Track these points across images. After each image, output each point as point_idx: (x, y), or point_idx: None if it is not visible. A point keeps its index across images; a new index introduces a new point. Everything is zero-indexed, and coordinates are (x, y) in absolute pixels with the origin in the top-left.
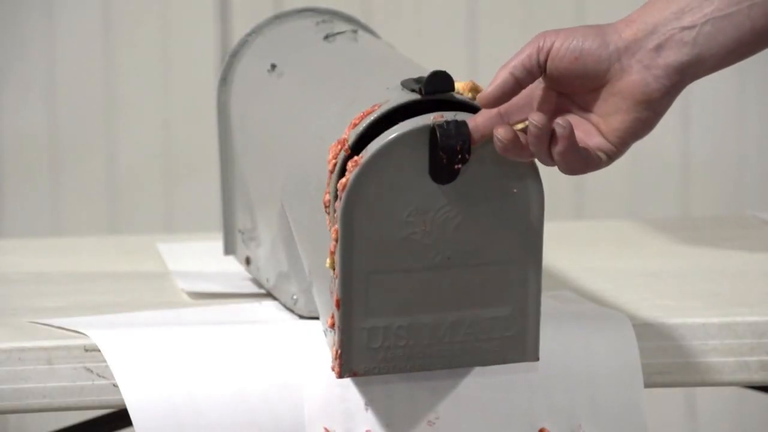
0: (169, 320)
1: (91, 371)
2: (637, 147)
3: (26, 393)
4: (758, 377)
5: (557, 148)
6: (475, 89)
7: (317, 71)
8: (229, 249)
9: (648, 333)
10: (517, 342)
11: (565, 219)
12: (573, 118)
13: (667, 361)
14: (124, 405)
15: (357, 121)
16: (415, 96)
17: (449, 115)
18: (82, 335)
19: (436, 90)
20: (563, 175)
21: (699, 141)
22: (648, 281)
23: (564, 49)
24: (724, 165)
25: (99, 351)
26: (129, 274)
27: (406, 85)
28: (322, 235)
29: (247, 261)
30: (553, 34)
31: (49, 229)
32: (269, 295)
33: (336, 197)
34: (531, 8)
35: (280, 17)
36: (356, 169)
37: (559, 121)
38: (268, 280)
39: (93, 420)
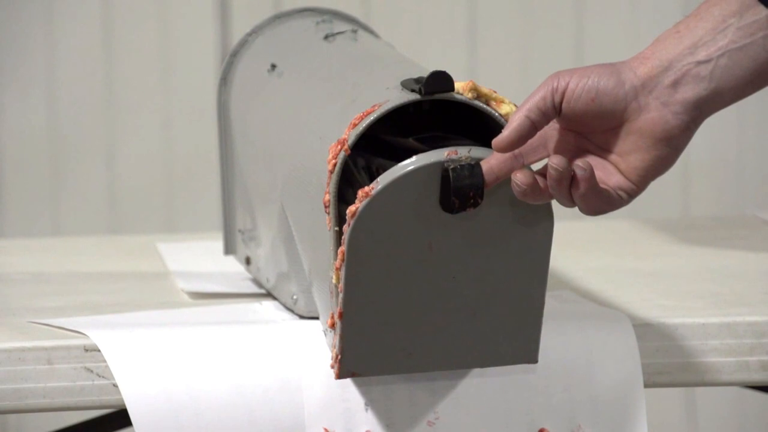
0: (169, 320)
1: (91, 371)
2: None
3: (26, 393)
4: (758, 377)
5: (579, 191)
6: (475, 89)
7: (317, 71)
8: (229, 249)
9: (648, 333)
10: (517, 345)
11: (566, 219)
12: (591, 159)
13: (667, 361)
14: (124, 405)
15: (357, 121)
16: (415, 96)
17: (463, 151)
18: (82, 335)
19: (436, 90)
20: None
21: (699, 141)
22: (648, 281)
23: (579, 90)
24: (724, 165)
25: (99, 351)
26: (129, 274)
27: (406, 85)
28: (322, 235)
29: (247, 261)
30: (567, 74)
31: (49, 229)
32: (269, 295)
33: (342, 221)
34: (530, 9)
35: (280, 17)
36: (366, 200)
37: (580, 164)
38: (268, 280)
39: (93, 420)
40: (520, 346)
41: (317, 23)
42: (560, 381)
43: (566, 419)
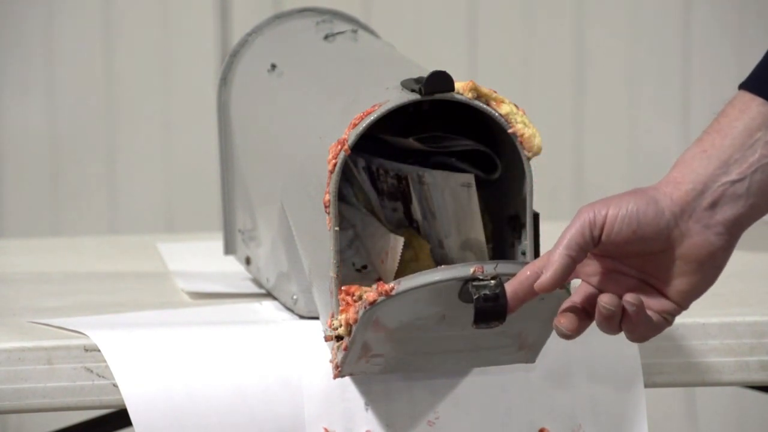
0: (169, 320)
1: (91, 371)
2: (636, 146)
3: (26, 393)
4: (758, 377)
5: (629, 325)
6: (475, 89)
7: (317, 71)
8: (229, 249)
9: None
10: (516, 347)
11: (565, 219)
12: (630, 280)
13: (667, 361)
14: (124, 405)
15: (357, 121)
16: (415, 96)
17: (489, 269)
18: (82, 335)
19: (436, 90)
20: (563, 174)
21: None
22: None
23: (620, 222)
24: None
25: (99, 351)
26: (129, 274)
27: (406, 85)
28: (322, 235)
29: (247, 261)
30: (602, 206)
31: (49, 229)
32: (269, 295)
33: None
34: (530, 9)
35: (280, 17)
36: (383, 299)
37: (630, 300)
38: (268, 280)
39: (93, 420)
40: (520, 348)
41: (317, 23)
42: (560, 381)
43: (566, 419)
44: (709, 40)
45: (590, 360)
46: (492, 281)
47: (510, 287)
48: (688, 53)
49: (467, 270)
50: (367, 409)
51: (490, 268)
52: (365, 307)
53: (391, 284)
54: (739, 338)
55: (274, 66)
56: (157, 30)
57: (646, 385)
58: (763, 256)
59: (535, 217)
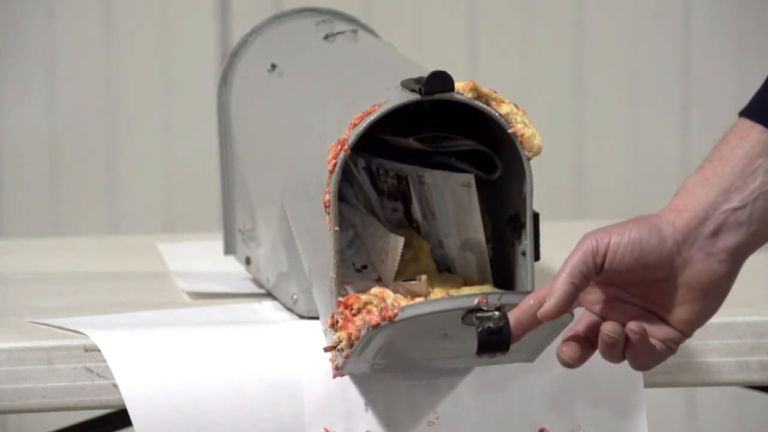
0: (169, 320)
1: (91, 371)
2: (636, 146)
3: (26, 393)
4: (758, 377)
5: (632, 353)
6: (475, 89)
7: (317, 71)
8: (229, 249)
9: None
10: (517, 348)
11: (565, 219)
12: (632, 308)
13: (667, 361)
14: (124, 405)
15: (357, 121)
16: (415, 96)
17: (493, 299)
18: (82, 335)
19: (436, 90)
20: (563, 174)
21: (699, 141)
22: None
23: (622, 249)
24: None
25: (99, 351)
26: (129, 274)
27: (406, 85)
28: (322, 235)
29: (247, 261)
30: (604, 233)
31: (49, 229)
32: (269, 295)
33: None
34: (530, 9)
35: (280, 17)
36: (386, 323)
37: (633, 328)
38: (268, 280)
39: (93, 420)
40: (520, 348)
41: (317, 23)
42: (560, 381)
43: (566, 419)
44: (708, 40)
45: (590, 360)
46: (496, 312)
47: (513, 316)
48: (688, 54)
49: (471, 300)
50: (367, 409)
51: (494, 299)
52: (368, 329)
53: (395, 310)
54: (739, 338)
55: (274, 66)
56: (157, 30)
57: (646, 385)
58: (763, 256)
59: (535, 217)
